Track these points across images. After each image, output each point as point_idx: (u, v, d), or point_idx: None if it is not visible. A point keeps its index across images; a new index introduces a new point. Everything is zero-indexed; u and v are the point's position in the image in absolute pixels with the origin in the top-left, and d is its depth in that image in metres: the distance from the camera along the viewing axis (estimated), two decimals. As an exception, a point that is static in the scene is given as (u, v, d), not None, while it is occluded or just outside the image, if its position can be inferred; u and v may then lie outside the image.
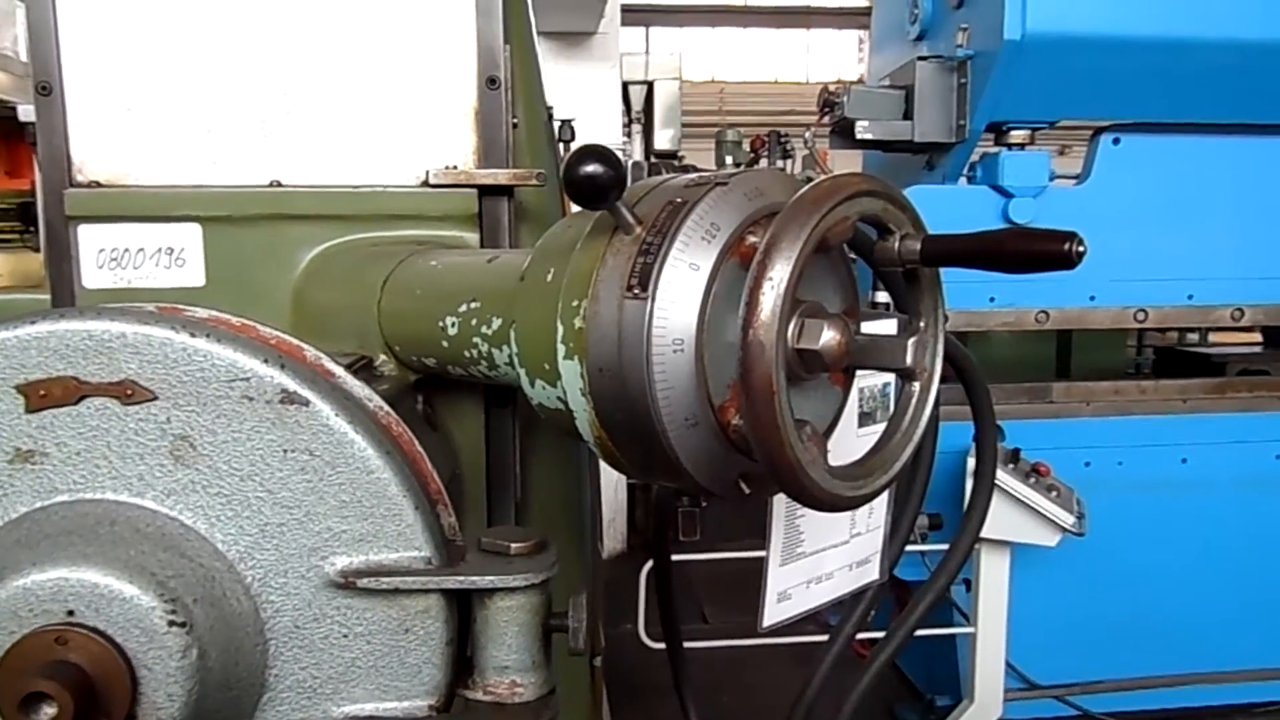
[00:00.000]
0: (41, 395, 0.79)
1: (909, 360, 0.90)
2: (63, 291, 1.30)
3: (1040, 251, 0.81)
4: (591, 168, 0.82)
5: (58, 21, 1.28)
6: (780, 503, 1.27)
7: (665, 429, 0.84)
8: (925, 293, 0.93)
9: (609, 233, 0.89)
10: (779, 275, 0.77)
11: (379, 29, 1.33)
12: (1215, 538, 3.51)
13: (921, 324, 0.93)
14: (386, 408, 0.92)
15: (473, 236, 1.36)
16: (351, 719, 0.83)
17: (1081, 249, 0.78)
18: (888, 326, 1.20)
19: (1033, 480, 3.11)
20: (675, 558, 3.31)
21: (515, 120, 1.39)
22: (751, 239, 0.85)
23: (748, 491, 0.91)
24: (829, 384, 0.98)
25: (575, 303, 0.89)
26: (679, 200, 0.87)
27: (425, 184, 1.35)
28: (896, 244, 0.89)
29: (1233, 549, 3.51)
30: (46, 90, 1.29)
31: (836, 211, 0.81)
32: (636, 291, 0.84)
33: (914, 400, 0.93)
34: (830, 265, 0.95)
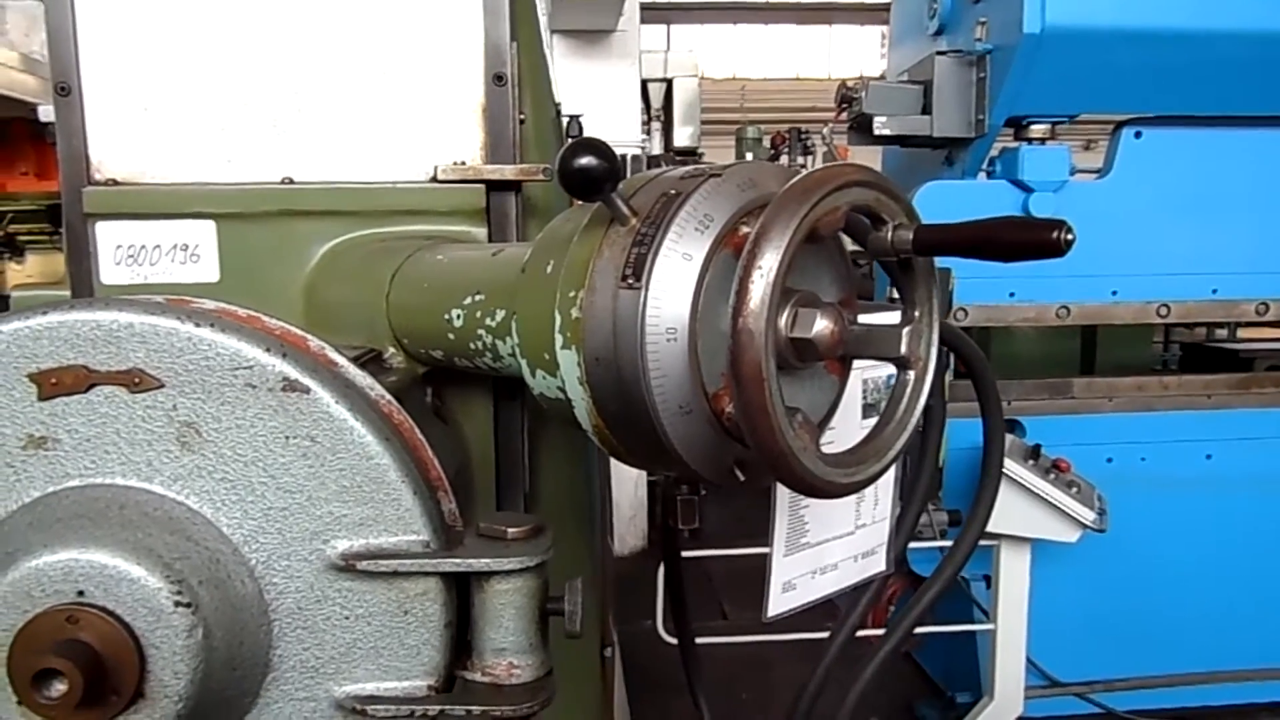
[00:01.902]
0: (53, 384, 0.82)
1: (903, 349, 0.91)
2: (82, 288, 1.33)
3: (1030, 240, 0.81)
4: (585, 160, 0.84)
5: (76, 24, 1.32)
6: (783, 493, 1.28)
7: (659, 417, 0.85)
8: (919, 282, 0.93)
9: (606, 224, 0.91)
10: (768, 264, 0.78)
11: (387, 28, 1.36)
12: (1239, 534, 3.47)
13: (916, 313, 0.93)
14: (388, 396, 0.94)
15: (480, 231, 1.38)
16: (353, 698, 0.85)
17: (1070, 237, 0.78)
18: (889, 317, 1.21)
19: (1053, 476, 3.10)
20: (696, 554, 3.32)
21: (523, 116, 1.41)
22: (744, 229, 0.87)
23: (742, 478, 0.92)
24: (825, 373, 0.98)
25: (572, 293, 0.90)
26: (673, 192, 0.88)
27: (433, 180, 1.37)
28: (889, 234, 0.89)
29: (1257, 545, 3.47)
30: (65, 91, 1.33)
31: (827, 201, 0.82)
32: (631, 282, 0.85)
33: (909, 389, 0.94)
34: (826, 255, 0.96)
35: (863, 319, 0.96)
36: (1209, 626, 3.49)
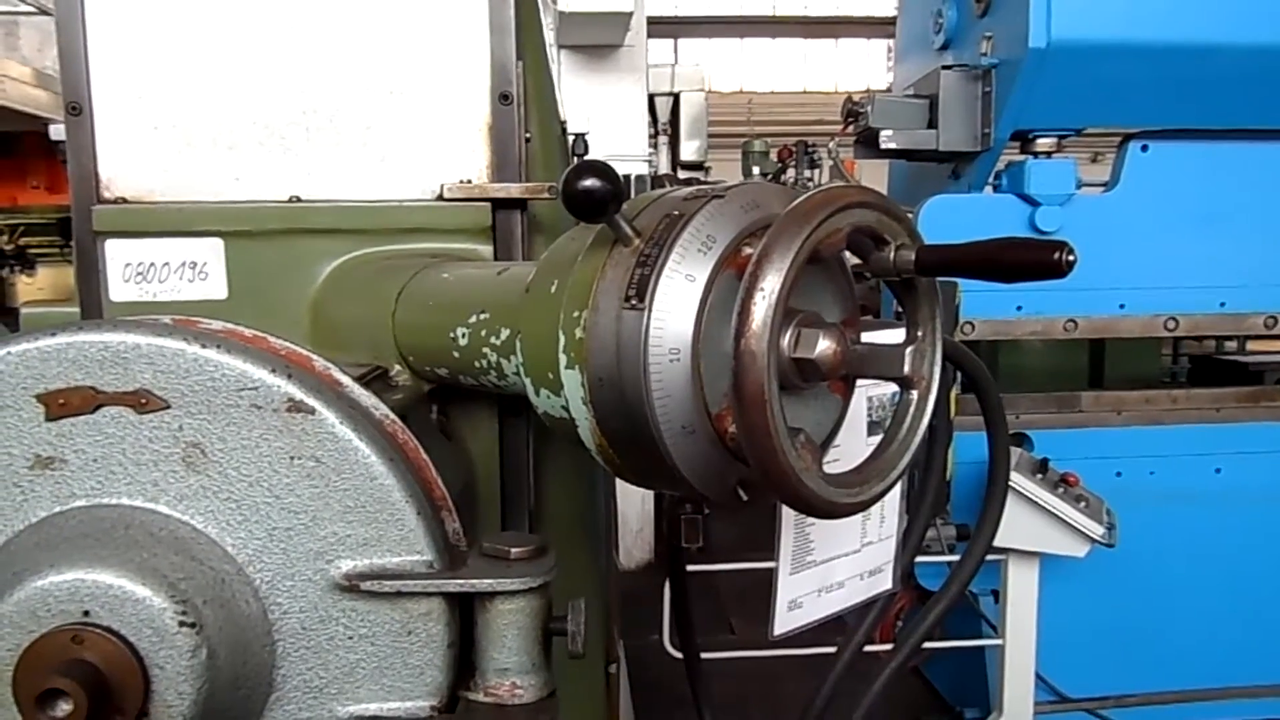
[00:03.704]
0: (61, 404, 0.82)
1: (906, 369, 0.92)
2: (91, 305, 1.34)
3: (1031, 261, 0.82)
4: (589, 182, 0.84)
5: (88, 45, 1.33)
6: (789, 511, 1.28)
7: (663, 436, 0.86)
8: (922, 302, 0.93)
9: (609, 245, 0.91)
10: (770, 286, 0.78)
11: (394, 48, 1.37)
12: (1250, 548, 3.45)
13: (919, 333, 0.94)
14: (392, 416, 0.95)
15: (486, 249, 1.38)
16: (356, 718, 0.86)
17: (1071, 258, 0.78)
18: (892, 335, 1.21)
19: (1061, 491, 3.08)
20: (703, 568, 3.31)
21: (528, 134, 1.42)
22: (747, 250, 0.87)
23: (745, 498, 0.92)
24: (829, 393, 0.98)
25: (576, 313, 0.91)
26: (676, 213, 0.89)
27: (439, 198, 1.38)
28: (892, 254, 0.89)
29: (1268, 560, 3.45)
30: (77, 110, 1.34)
31: (829, 223, 0.83)
32: (634, 302, 0.86)
33: (912, 408, 0.94)
34: (829, 276, 0.96)
35: (866, 338, 0.97)
36: (1219, 641, 3.46)
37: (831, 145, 4.00)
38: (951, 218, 3.25)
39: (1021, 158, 3.39)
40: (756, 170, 8.70)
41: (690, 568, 1.77)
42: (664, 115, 7.53)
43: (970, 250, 0.86)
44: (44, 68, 5.42)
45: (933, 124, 3.43)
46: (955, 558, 3.03)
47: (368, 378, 1.14)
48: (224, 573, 0.83)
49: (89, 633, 0.77)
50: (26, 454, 0.83)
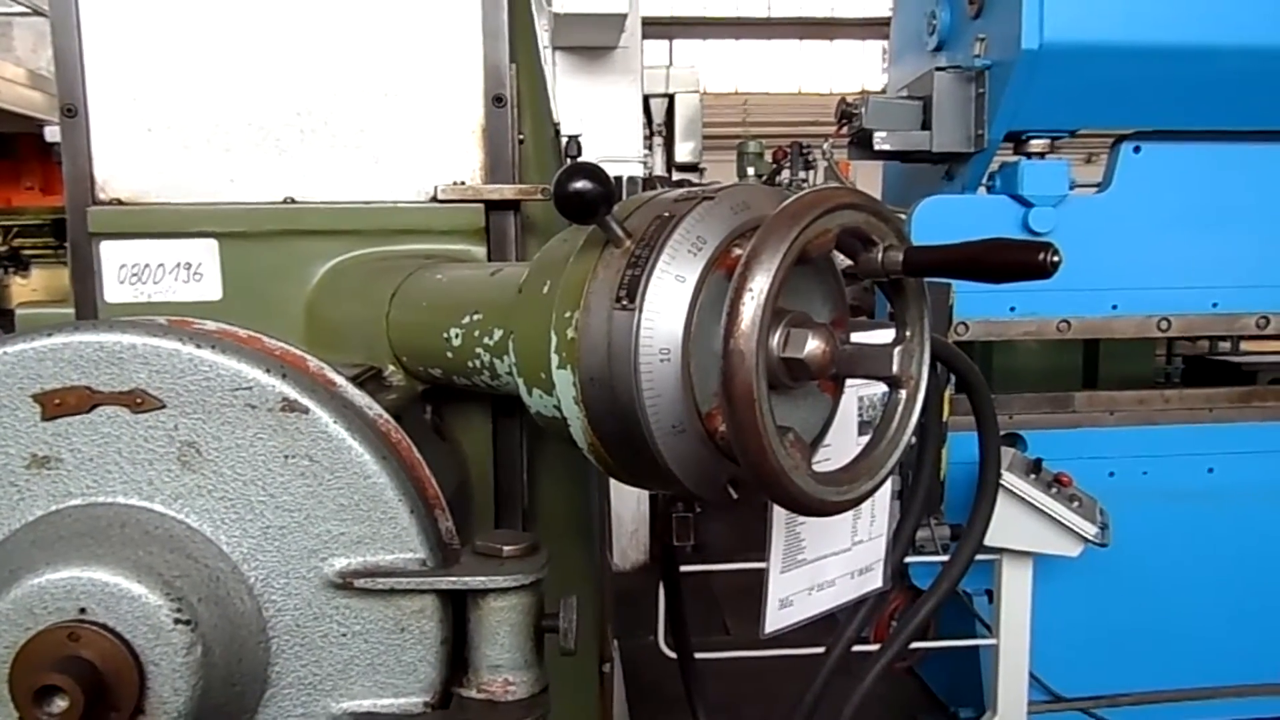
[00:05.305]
0: (57, 404, 0.83)
1: (894, 369, 0.93)
2: (86, 306, 1.35)
3: (1017, 261, 0.83)
4: (580, 184, 0.85)
5: (83, 47, 1.34)
6: (780, 510, 1.29)
7: (653, 436, 0.87)
8: (910, 302, 0.95)
9: (601, 246, 0.92)
10: (759, 286, 0.79)
11: (388, 50, 1.38)
12: (1243, 548, 3.47)
13: (907, 333, 0.95)
14: (386, 415, 0.96)
15: (480, 250, 1.39)
16: (350, 715, 0.87)
17: (1056, 259, 0.80)
18: (882, 335, 1.22)
19: (1054, 491, 3.10)
20: (698, 568, 3.31)
21: (521, 136, 1.43)
22: (737, 251, 0.88)
23: (736, 497, 0.93)
24: (819, 392, 0.99)
25: (568, 314, 0.92)
26: (667, 214, 0.90)
27: (433, 199, 1.39)
28: (880, 255, 0.91)
29: (1261, 560, 3.47)
30: (72, 112, 1.35)
31: (817, 224, 0.84)
32: (625, 303, 0.87)
33: (900, 408, 0.95)
34: (818, 276, 0.97)
35: (855, 338, 0.98)
36: (1212, 641, 3.48)
37: (826, 146, 4.02)
38: (945, 219, 3.26)
39: (1015, 159, 3.41)
40: (751, 171, 8.72)
41: (685, 569, 1.78)
42: (659, 117, 7.56)
43: (957, 251, 0.87)
44: (38, 69, 5.42)
45: (926, 125, 3.45)
46: (948, 558, 3.05)
47: (362, 378, 1.15)
48: (219, 570, 0.84)
49: (85, 630, 0.78)
50: (23, 453, 0.84)
